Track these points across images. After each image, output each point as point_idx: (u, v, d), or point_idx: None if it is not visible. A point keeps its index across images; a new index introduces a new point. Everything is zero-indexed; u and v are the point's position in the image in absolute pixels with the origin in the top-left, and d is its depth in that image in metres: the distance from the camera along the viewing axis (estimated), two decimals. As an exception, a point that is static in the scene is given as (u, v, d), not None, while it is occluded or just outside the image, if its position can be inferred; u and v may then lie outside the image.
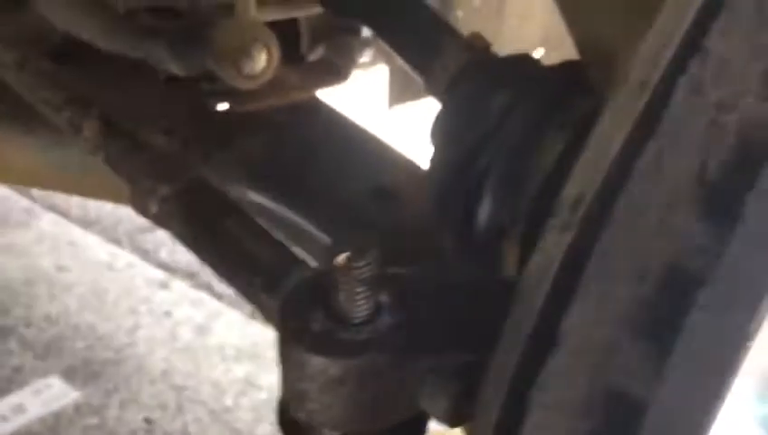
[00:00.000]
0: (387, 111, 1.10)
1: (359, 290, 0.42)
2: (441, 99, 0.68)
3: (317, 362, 0.41)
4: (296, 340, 0.41)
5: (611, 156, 0.29)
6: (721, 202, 0.29)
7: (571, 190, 0.30)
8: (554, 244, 0.30)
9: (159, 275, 1.78)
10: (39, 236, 1.90)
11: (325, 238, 0.81)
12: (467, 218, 0.61)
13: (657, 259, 0.30)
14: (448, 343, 0.43)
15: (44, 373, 1.46)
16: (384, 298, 0.45)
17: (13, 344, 1.53)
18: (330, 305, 0.43)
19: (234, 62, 0.70)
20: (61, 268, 1.79)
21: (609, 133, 0.30)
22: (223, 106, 0.91)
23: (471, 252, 0.62)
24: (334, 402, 0.42)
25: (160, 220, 0.55)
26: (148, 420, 1.40)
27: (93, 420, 1.38)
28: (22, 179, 0.85)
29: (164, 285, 1.75)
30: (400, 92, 1.09)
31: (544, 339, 0.31)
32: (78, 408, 1.39)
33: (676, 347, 0.29)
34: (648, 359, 0.29)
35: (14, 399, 1.38)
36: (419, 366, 0.42)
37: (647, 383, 0.29)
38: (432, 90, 0.70)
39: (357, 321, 0.43)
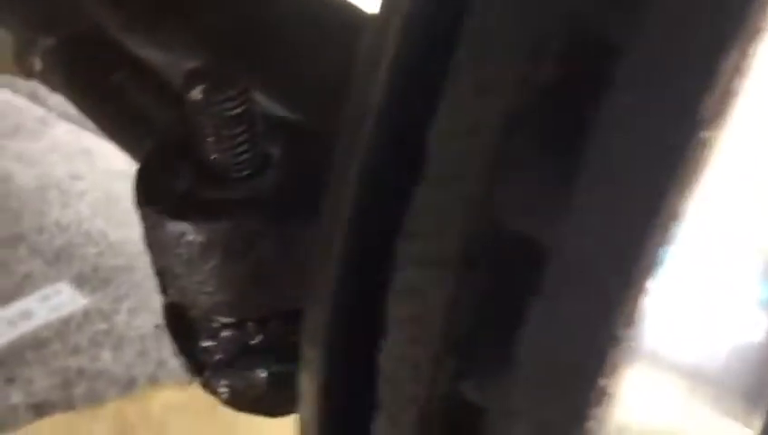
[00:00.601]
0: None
1: (225, 134, 0.32)
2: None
3: (172, 227, 0.31)
4: (150, 200, 0.32)
5: None
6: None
7: None
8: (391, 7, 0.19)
9: (175, 181, 1.72)
10: (53, 145, 1.86)
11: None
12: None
13: (558, 25, 0.18)
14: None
15: (54, 280, 1.43)
16: (273, 150, 0.35)
17: (23, 251, 1.50)
18: (200, 158, 0.33)
19: None
20: (74, 176, 1.75)
21: None
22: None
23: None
24: (204, 279, 0.33)
25: (46, 79, 0.46)
26: (158, 326, 1.37)
27: (102, 326, 1.35)
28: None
29: (178, 192, 1.69)
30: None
31: (396, 164, 0.21)
32: (87, 314, 1.36)
33: (588, 157, 0.18)
34: (550, 179, 0.19)
35: (21, 305, 1.36)
36: (310, 234, 0.32)
37: (550, 225, 0.19)
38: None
39: (232, 176, 0.33)
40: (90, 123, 1.88)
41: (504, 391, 0.21)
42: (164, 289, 0.34)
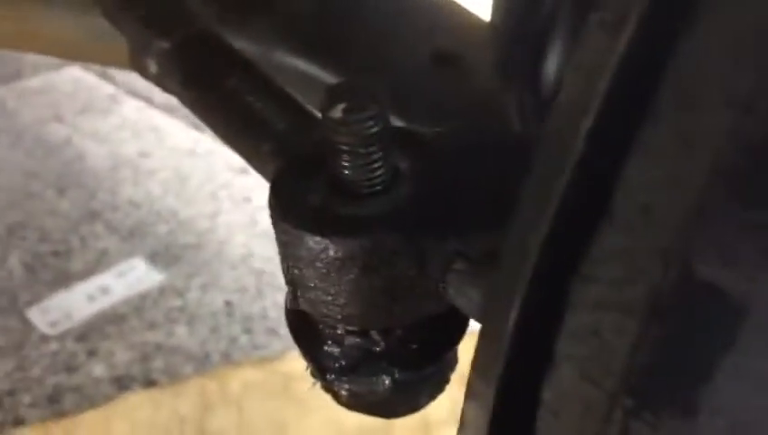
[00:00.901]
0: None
1: (362, 152, 0.33)
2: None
3: (312, 242, 0.32)
4: (287, 215, 0.33)
5: None
6: None
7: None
8: (601, 49, 0.19)
9: (240, 160, 1.74)
10: (122, 123, 1.91)
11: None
12: (533, 75, 0.51)
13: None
14: (480, 221, 0.33)
15: (129, 256, 1.48)
16: (401, 164, 0.36)
17: (99, 227, 1.56)
18: (334, 174, 0.34)
19: None
20: (144, 154, 1.80)
21: None
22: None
23: (538, 114, 0.52)
24: (338, 291, 0.34)
25: (161, 81, 0.47)
26: (228, 303, 1.41)
27: (176, 302, 1.39)
28: (49, 48, 0.80)
29: (244, 171, 1.72)
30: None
31: (585, 205, 0.21)
32: (161, 290, 1.41)
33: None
34: (755, 231, 0.19)
35: (100, 280, 1.41)
36: (443, 249, 0.33)
37: (749, 278, 0.19)
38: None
39: (365, 192, 0.34)
40: (157, 100, 1.92)
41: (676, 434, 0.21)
42: (294, 298, 0.35)
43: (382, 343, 0.36)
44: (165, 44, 0.48)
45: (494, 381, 0.23)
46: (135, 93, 2.01)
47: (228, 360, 1.27)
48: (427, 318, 0.36)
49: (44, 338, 1.28)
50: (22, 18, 0.80)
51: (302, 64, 0.77)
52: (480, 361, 0.23)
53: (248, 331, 1.35)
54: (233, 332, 1.35)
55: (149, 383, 1.20)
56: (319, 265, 0.33)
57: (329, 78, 0.75)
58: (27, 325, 1.30)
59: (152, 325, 1.33)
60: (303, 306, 0.35)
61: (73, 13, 0.71)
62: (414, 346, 0.37)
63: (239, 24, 0.77)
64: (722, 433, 0.19)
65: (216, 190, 1.67)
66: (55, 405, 1.19)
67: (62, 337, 1.28)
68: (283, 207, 0.33)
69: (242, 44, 0.74)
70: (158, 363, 1.24)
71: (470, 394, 0.24)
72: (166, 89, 0.48)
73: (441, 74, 0.73)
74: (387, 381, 0.36)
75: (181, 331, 1.33)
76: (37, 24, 0.74)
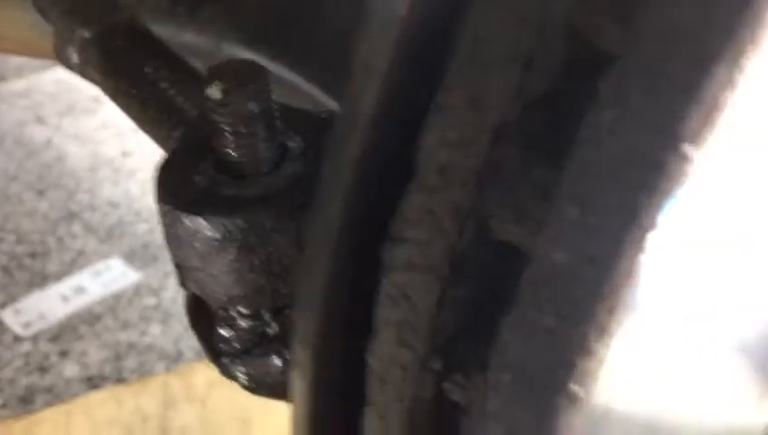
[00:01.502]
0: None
1: (244, 132, 0.33)
2: None
3: (188, 222, 0.32)
4: (168, 196, 0.33)
5: None
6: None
7: None
8: (388, 10, 0.19)
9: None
10: (104, 123, 1.91)
11: (333, 103, 0.72)
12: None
13: (552, 37, 0.18)
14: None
15: (106, 256, 1.48)
16: (292, 144, 0.36)
17: (77, 228, 1.56)
18: (219, 154, 0.34)
19: None
20: (125, 154, 1.81)
21: None
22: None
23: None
24: (219, 271, 0.34)
25: (83, 71, 0.47)
26: (204, 302, 1.41)
27: (151, 302, 1.39)
28: (16, 48, 0.80)
29: (225, 170, 1.72)
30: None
31: (392, 169, 0.21)
32: (137, 289, 1.41)
33: (574, 165, 0.18)
34: (536, 187, 0.19)
35: (75, 280, 1.41)
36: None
37: (534, 235, 0.19)
38: None
39: (249, 172, 0.34)
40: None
41: (481, 392, 0.21)
42: (182, 281, 0.35)
43: (274, 325, 0.36)
44: (86, 34, 0.48)
45: (310, 348, 0.23)
46: (118, 95, 2.01)
47: (201, 358, 1.27)
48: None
49: (18, 339, 1.28)
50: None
51: (254, 56, 0.77)
52: (297, 329, 0.23)
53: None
54: (207, 330, 1.34)
55: (121, 383, 1.20)
56: (197, 245, 0.33)
57: (283, 73, 0.75)
58: (0, 327, 1.30)
59: (126, 325, 1.33)
60: (192, 289, 0.35)
61: (25, 10, 0.71)
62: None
63: (190, 13, 0.77)
64: (507, 388, 0.19)
65: (196, 190, 1.67)
66: (27, 406, 1.19)
67: (35, 338, 1.29)
68: (163, 188, 0.33)
69: (191, 36, 0.74)
70: (130, 362, 1.24)
71: (292, 363, 0.24)
72: (88, 78, 0.49)
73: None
74: (278, 363, 0.36)
75: (155, 329, 1.33)
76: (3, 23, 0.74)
